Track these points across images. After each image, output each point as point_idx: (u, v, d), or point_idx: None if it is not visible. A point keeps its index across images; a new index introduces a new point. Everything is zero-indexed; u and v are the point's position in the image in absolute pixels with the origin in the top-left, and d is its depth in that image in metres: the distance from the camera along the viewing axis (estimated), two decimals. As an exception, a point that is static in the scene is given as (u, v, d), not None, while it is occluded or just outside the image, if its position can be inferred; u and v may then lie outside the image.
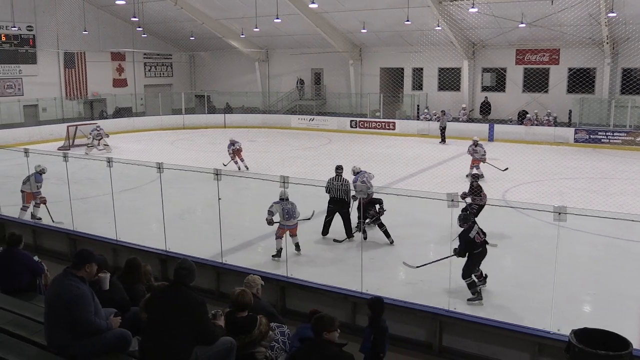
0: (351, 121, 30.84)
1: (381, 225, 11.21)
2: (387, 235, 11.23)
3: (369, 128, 29.95)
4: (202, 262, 8.62)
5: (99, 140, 23.91)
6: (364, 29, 28.39)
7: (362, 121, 30.57)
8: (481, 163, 17.20)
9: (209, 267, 8.66)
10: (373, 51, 32.36)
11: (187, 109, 34.25)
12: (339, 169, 11.78)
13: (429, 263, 8.84)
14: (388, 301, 7.35)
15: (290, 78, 35.15)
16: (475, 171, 16.38)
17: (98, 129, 24.31)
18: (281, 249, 10.18)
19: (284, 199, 10.07)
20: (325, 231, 11.61)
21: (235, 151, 19.15)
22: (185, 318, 4.59)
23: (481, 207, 10.83)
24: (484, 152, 17.28)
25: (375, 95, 31.51)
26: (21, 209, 12.70)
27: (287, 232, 10.28)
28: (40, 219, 12.49)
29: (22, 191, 12.81)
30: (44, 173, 12.78)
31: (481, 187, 11.63)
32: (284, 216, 10.15)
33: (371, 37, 30.50)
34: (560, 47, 26.89)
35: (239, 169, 18.75)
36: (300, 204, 10.53)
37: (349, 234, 11.39)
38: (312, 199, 11.43)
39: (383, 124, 29.76)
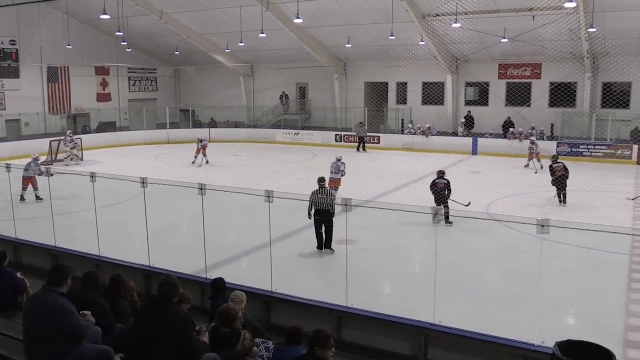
0: (336, 135, 30.97)
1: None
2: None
3: (354, 142, 30.01)
4: (186, 277, 8.55)
5: (72, 149, 24.00)
6: (348, 43, 28.57)
7: (347, 135, 30.69)
8: (535, 158, 22.22)
9: (193, 282, 8.58)
10: (357, 66, 32.58)
11: (172, 123, 34.20)
12: (321, 180, 11.86)
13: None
14: (374, 315, 7.35)
15: (275, 92, 35.24)
16: (530, 163, 22.37)
17: (70, 134, 24.53)
18: None
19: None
20: (320, 245, 11.40)
21: (203, 147, 23.21)
22: (168, 334, 4.55)
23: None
24: (536, 148, 22.40)
25: (360, 110, 31.69)
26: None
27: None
28: (42, 199, 15.66)
29: (23, 177, 15.64)
30: (39, 159, 17.00)
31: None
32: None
33: (356, 52, 30.71)
34: (541, 61, 27.30)
35: (200, 164, 22.83)
36: (285, 218, 10.48)
37: (329, 245, 11.35)
38: (297, 212, 11.42)
39: (368, 138, 29.87)
